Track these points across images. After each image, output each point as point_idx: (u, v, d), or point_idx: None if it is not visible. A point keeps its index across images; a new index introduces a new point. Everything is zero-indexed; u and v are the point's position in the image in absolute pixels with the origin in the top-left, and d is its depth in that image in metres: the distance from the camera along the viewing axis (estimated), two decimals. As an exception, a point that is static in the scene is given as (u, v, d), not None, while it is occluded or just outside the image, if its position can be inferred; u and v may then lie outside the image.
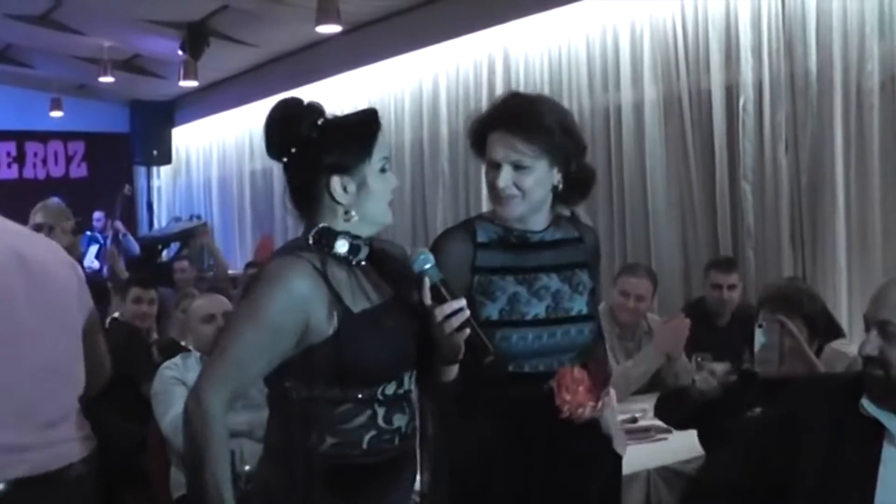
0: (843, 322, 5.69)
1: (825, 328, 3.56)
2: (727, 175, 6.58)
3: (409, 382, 2.59)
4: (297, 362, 2.44)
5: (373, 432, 2.48)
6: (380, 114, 2.57)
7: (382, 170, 2.53)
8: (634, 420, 4.62)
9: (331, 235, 2.51)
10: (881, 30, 5.69)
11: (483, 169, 2.96)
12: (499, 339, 2.79)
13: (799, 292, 3.72)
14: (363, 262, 2.57)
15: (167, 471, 4.57)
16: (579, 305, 2.91)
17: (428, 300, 2.48)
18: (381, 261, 2.62)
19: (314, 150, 2.50)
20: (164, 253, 13.21)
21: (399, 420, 2.53)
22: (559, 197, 2.92)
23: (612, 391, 2.96)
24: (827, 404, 2.64)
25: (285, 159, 2.54)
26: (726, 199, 6.59)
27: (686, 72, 6.83)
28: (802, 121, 6.14)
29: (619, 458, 3.02)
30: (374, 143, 2.52)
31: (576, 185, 2.92)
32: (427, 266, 2.50)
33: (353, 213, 2.51)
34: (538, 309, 2.85)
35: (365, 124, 2.54)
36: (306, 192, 2.54)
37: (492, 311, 2.83)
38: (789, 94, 6.20)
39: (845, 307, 5.85)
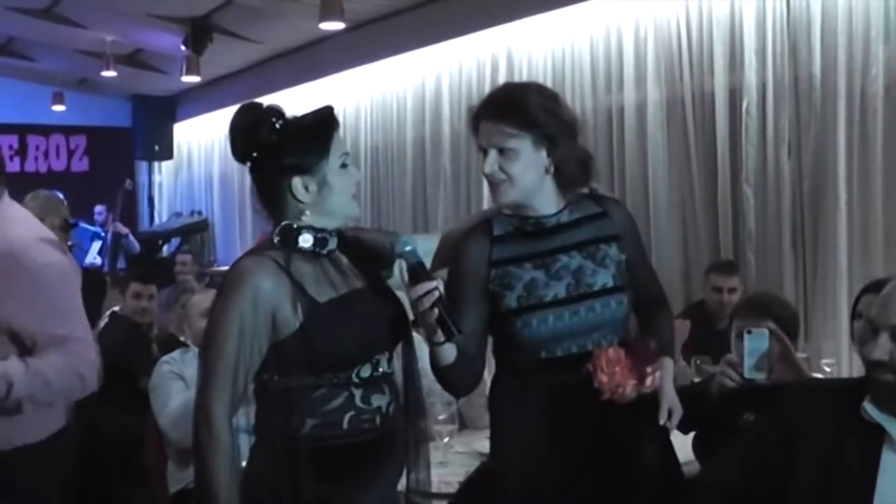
0: (844, 327, 5.68)
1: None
2: (729, 178, 6.57)
3: (387, 364, 2.71)
4: (271, 355, 2.57)
5: (351, 412, 2.60)
6: (336, 111, 2.69)
7: (343, 165, 2.65)
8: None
9: (294, 231, 2.63)
10: (886, 34, 5.67)
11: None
12: (520, 327, 2.80)
13: (770, 298, 3.78)
14: (335, 252, 2.69)
15: (164, 465, 4.57)
16: (603, 279, 2.86)
17: (405, 280, 2.58)
18: (353, 248, 2.74)
19: (274, 153, 2.61)
20: (165, 248, 13.23)
21: (378, 400, 2.65)
22: (560, 182, 2.89)
23: (668, 362, 2.90)
24: (826, 409, 2.63)
25: (249, 164, 2.66)
26: (728, 201, 6.58)
27: (689, 74, 6.81)
28: (805, 125, 6.13)
29: (666, 433, 2.94)
30: (332, 142, 2.64)
31: (571, 167, 2.89)
32: (407, 248, 2.60)
33: (307, 212, 2.63)
34: (557, 289, 2.83)
35: (321, 124, 2.65)
36: (270, 193, 2.66)
37: (510, 300, 2.83)
38: (793, 97, 6.19)
39: (846, 312, 5.81)
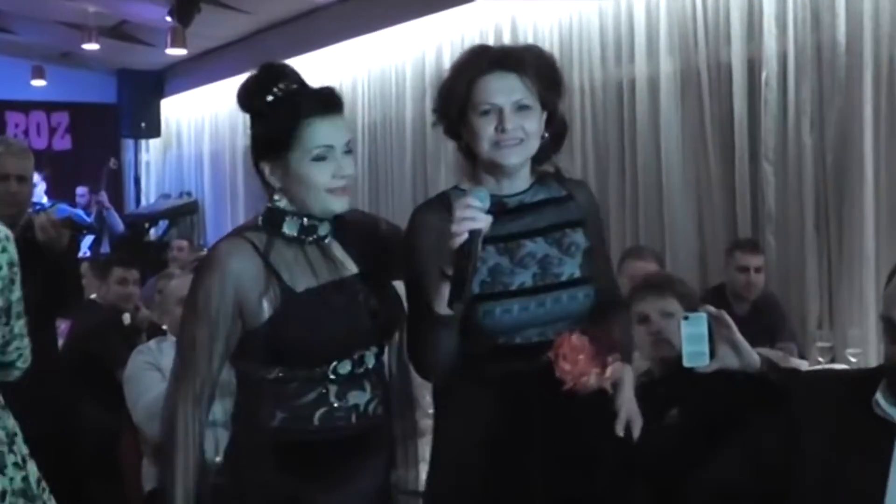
0: (871, 314, 5.63)
1: None
2: (747, 154, 6.53)
3: (375, 360, 2.67)
4: (241, 344, 2.58)
5: (323, 409, 2.59)
6: (325, 94, 2.63)
7: (318, 158, 2.56)
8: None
9: (278, 216, 2.62)
10: (916, -2, 5.61)
11: None
12: (481, 315, 2.70)
13: (668, 276, 3.86)
14: (327, 239, 2.66)
15: (139, 462, 4.51)
16: (570, 269, 2.79)
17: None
18: (348, 235, 2.69)
19: (252, 126, 2.64)
20: (152, 232, 13.21)
21: (356, 398, 2.62)
22: (536, 153, 2.81)
23: (626, 368, 2.79)
24: (835, 401, 2.61)
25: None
26: (746, 180, 6.54)
27: (705, 43, 6.76)
28: (829, 96, 6.07)
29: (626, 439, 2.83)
30: (294, 132, 2.56)
31: (554, 134, 2.83)
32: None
33: (282, 196, 2.62)
34: (523, 277, 2.75)
35: (290, 109, 2.57)
36: (255, 168, 2.67)
37: (473, 285, 2.69)
38: (815, 67, 6.13)
39: (873, 298, 5.75)
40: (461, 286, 2.46)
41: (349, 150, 2.62)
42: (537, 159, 2.83)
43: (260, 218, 2.64)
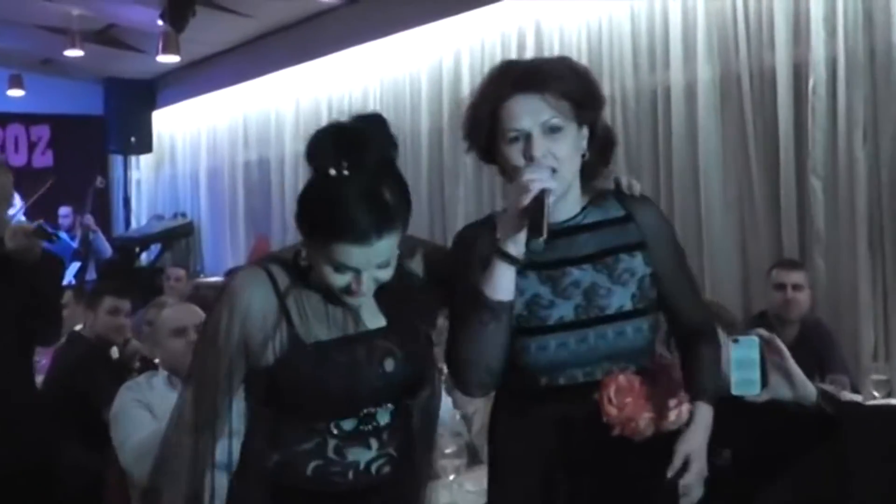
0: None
1: None
2: (793, 169, 6.53)
3: (387, 417, 2.65)
4: (246, 380, 2.63)
5: (318, 461, 2.61)
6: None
7: (337, 269, 2.50)
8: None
9: (307, 266, 2.61)
10: (977, -3, 5.63)
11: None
12: (517, 350, 2.70)
13: (713, 304, 3.75)
14: None
15: (127, 508, 4.53)
16: (620, 300, 2.72)
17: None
18: (386, 286, 2.61)
19: (308, 183, 2.52)
20: (143, 256, 13.20)
21: (357, 455, 2.63)
22: (583, 171, 2.77)
23: (703, 408, 2.72)
24: (887, 437, 2.61)
25: None
26: (792, 196, 6.54)
27: (746, 48, 6.79)
28: (884, 105, 6.09)
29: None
30: (321, 243, 2.48)
31: (598, 149, 2.80)
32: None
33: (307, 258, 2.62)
34: (564, 310, 2.71)
35: (327, 224, 2.47)
36: None
37: (512, 317, 2.70)
38: (868, 72, 6.14)
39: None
40: (539, 226, 2.49)
41: (385, 265, 2.53)
42: (587, 177, 2.80)
43: (293, 254, 2.63)
